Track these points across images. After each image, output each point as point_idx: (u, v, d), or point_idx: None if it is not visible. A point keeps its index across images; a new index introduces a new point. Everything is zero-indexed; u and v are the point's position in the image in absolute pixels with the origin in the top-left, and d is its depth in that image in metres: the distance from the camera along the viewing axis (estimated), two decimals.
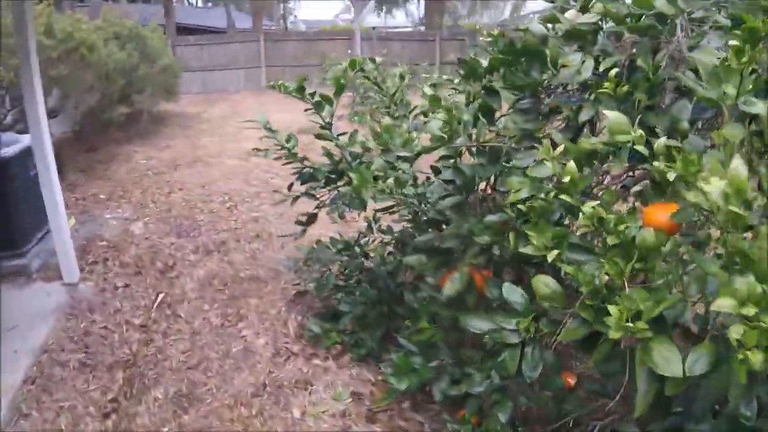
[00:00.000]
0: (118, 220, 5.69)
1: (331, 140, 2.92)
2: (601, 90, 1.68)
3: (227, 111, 13.12)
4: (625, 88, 1.68)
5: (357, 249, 3.36)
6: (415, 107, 4.12)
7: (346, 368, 3.28)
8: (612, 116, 1.55)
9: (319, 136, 2.94)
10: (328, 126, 2.94)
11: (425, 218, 2.70)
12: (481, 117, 2.17)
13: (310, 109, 3.02)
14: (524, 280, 2.49)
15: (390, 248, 3.57)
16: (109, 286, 4.25)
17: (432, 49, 16.86)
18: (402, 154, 2.21)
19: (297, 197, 3.08)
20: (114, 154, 8.52)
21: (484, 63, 2.32)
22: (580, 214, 1.53)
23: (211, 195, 6.54)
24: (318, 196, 3.05)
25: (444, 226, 2.61)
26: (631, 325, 1.34)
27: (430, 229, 2.69)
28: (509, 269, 2.42)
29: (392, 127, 2.28)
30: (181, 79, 11.79)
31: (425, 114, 4.39)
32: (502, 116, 2.34)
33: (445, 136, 2.06)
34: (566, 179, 1.57)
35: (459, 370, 2.70)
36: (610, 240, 1.52)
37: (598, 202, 1.53)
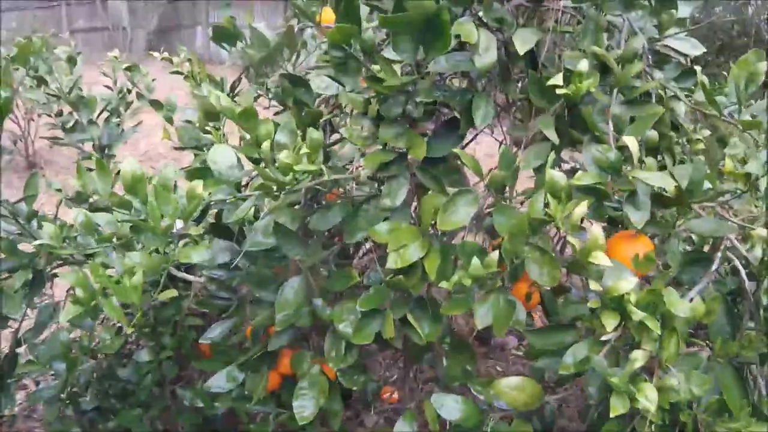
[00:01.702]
0: None
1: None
2: (548, 82, 0.95)
3: None
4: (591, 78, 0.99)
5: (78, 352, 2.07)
6: (106, 107, 2.84)
7: None
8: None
9: None
10: None
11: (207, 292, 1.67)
12: (307, 133, 1.25)
13: None
14: None
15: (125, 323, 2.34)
16: None
17: (58, 15, 14.14)
18: (180, 230, 1.16)
19: None
20: None
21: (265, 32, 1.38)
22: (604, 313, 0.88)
23: None
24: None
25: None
26: None
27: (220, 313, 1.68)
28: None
29: (143, 181, 1.17)
30: None
31: (116, 113, 3.11)
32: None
33: (277, 185, 1.10)
34: (592, 257, 0.85)
35: None
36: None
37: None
